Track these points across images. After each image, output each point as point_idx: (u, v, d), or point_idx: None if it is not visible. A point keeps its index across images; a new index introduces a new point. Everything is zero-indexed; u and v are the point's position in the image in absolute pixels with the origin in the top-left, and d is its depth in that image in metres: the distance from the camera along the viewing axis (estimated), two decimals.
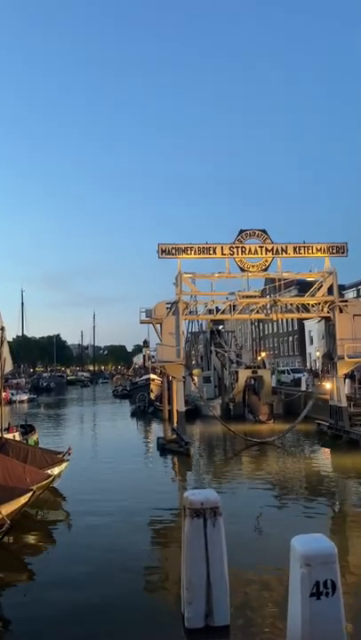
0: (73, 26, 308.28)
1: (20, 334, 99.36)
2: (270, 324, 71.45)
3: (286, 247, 25.76)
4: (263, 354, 50.95)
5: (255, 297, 27.27)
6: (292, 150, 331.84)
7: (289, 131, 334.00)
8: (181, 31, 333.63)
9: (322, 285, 26.19)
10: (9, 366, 19.25)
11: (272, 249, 25.69)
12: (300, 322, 58.24)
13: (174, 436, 24.09)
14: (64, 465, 15.79)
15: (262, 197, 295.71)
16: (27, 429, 23.21)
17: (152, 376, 49.10)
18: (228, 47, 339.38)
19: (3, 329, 17.95)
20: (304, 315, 28.22)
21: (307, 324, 57.98)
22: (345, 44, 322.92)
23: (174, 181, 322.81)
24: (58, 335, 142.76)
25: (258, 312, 27.63)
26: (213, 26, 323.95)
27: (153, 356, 27.94)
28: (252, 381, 36.34)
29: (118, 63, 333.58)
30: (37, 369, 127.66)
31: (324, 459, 21.92)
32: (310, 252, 25.93)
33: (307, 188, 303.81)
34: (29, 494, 11.55)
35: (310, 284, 27.85)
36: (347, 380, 27.83)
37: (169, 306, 25.21)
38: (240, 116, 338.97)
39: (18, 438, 19.79)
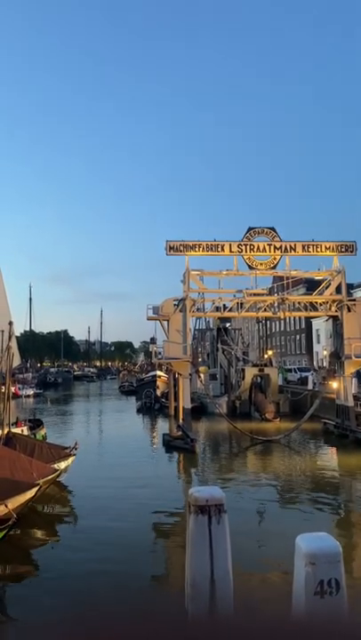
0: (72, 23, 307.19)
1: (27, 329, 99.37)
2: (277, 323, 71.14)
3: (295, 245, 25.69)
4: (270, 352, 50.91)
5: (263, 295, 27.20)
6: (293, 152, 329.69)
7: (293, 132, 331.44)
8: (183, 34, 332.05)
9: (330, 284, 26.10)
10: (17, 361, 19.39)
11: (281, 247, 25.62)
12: (308, 320, 57.83)
13: (180, 433, 24.11)
14: (70, 459, 15.86)
15: (270, 198, 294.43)
16: (34, 424, 23.33)
17: (158, 373, 49.13)
18: (230, 48, 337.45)
19: (11, 323, 18.08)
20: (312, 313, 28.15)
21: (314, 322, 57.61)
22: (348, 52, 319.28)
23: (181, 179, 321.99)
24: (65, 331, 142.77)
25: (265, 310, 27.60)
26: (216, 28, 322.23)
27: (159, 353, 27.93)
28: (259, 379, 36.26)
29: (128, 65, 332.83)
30: (45, 364, 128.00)
31: (329, 458, 21.89)
32: (319, 250, 25.85)
33: (310, 188, 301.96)
34: (36, 489, 11.61)
35: (318, 283, 27.76)
36: (354, 380, 27.73)
37: (176, 303, 25.24)
38: (240, 117, 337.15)
39: (26, 433, 19.89)
